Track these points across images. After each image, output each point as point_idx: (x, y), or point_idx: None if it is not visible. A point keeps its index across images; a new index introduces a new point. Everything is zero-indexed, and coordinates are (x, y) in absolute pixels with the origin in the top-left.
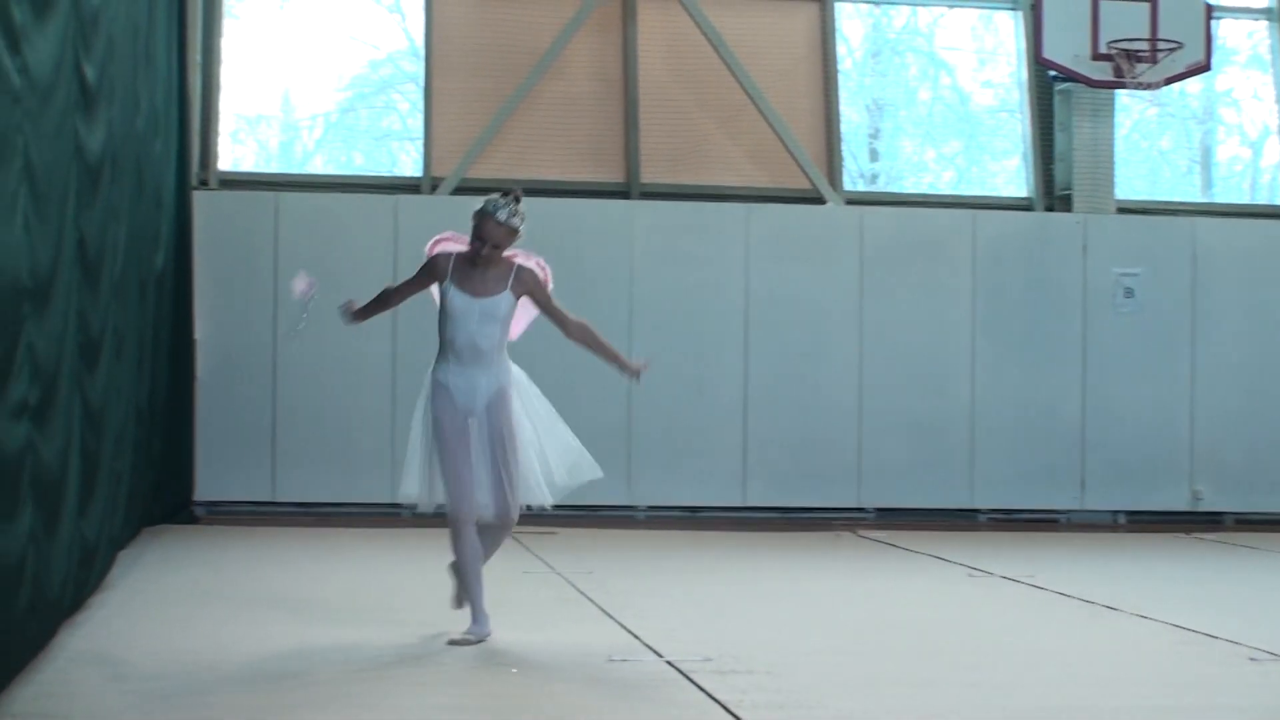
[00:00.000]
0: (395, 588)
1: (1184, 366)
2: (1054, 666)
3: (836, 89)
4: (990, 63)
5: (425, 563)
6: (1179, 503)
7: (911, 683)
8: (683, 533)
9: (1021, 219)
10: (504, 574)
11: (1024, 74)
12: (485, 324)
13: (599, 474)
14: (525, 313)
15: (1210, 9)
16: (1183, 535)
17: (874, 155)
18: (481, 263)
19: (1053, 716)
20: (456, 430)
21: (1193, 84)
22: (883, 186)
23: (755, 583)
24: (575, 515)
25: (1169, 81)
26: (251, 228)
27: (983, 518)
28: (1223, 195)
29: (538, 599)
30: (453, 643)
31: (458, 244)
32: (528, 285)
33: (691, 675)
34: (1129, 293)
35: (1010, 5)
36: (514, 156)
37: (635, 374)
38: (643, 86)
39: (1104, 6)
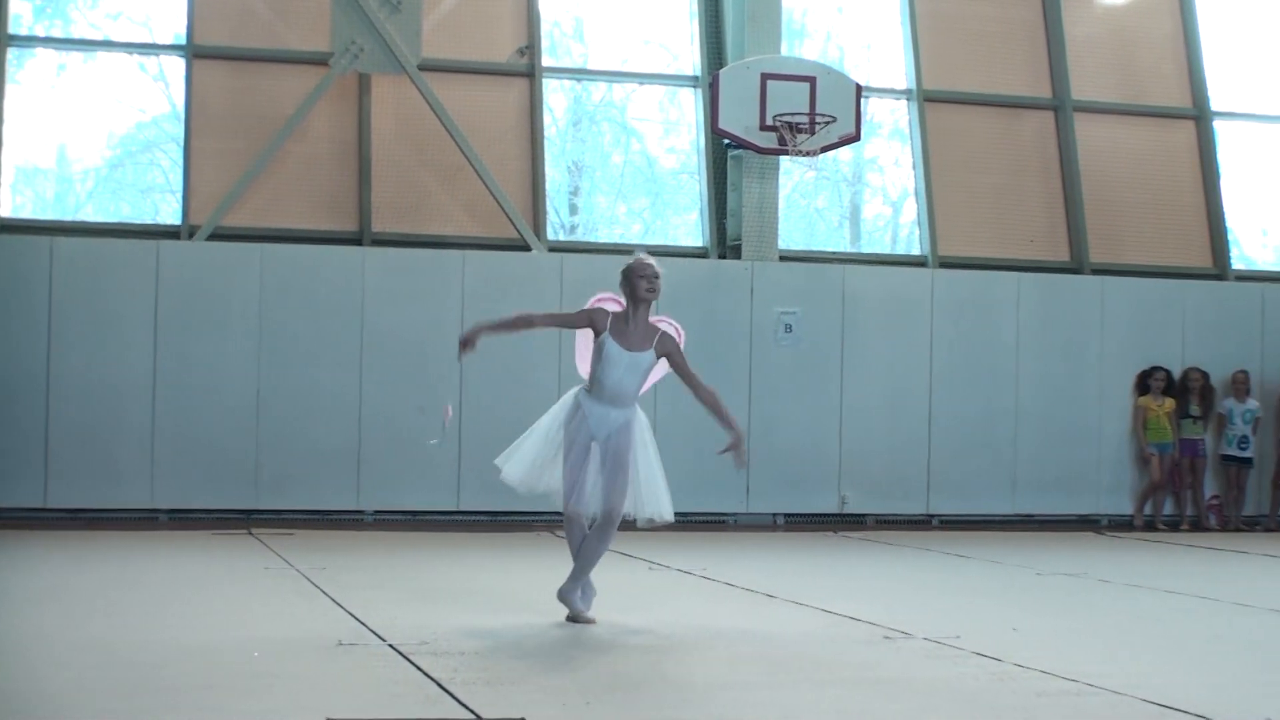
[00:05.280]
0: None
1: (834, 391)
2: (723, 648)
3: (542, 152)
4: (674, 132)
5: (181, 562)
6: (829, 506)
7: (598, 654)
8: (405, 534)
9: (699, 265)
10: (245, 570)
11: (702, 142)
12: (630, 373)
13: (670, 519)
14: (658, 371)
15: (860, 89)
16: (831, 534)
17: (574, 209)
18: (635, 319)
19: (722, 692)
20: (581, 447)
21: (844, 152)
22: (581, 236)
23: (465, 576)
24: (311, 518)
25: (825, 150)
26: (28, 268)
27: None
28: (868, 246)
29: (278, 590)
30: (571, 620)
31: (614, 304)
32: (668, 349)
33: (410, 656)
34: (788, 329)
35: (691, 83)
36: (262, 208)
37: (738, 451)
38: (374, 148)
39: (770, 85)
